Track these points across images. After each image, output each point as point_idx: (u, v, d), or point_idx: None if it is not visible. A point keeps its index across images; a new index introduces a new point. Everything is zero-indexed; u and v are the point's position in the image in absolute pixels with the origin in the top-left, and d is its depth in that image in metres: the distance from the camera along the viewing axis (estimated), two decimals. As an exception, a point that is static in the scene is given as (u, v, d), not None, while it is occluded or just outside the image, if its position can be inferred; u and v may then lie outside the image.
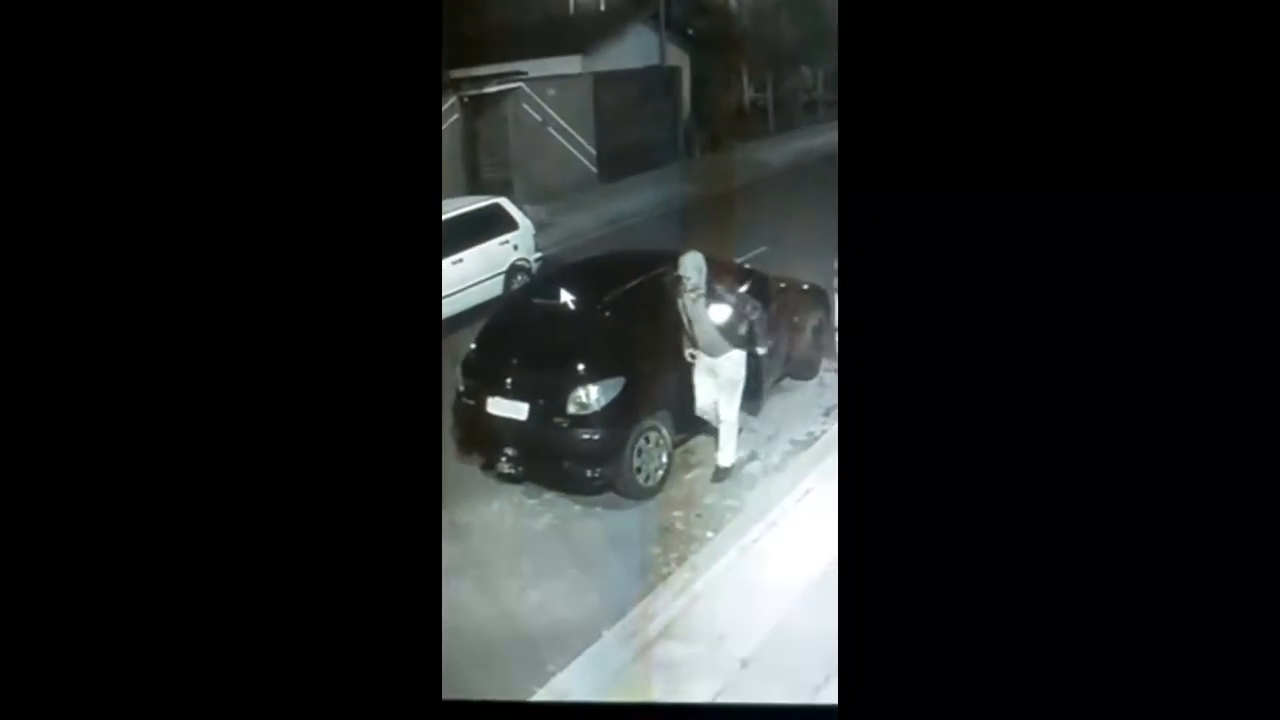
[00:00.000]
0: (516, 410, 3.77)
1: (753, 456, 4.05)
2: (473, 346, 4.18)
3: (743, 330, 3.71)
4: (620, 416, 3.68)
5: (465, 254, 6.15)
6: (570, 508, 3.78)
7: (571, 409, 3.69)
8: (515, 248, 6.64)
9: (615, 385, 3.69)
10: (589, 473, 3.70)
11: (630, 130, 11.20)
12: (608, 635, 2.96)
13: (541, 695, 2.74)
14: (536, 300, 4.42)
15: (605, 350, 3.80)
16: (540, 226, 7.42)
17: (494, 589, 3.29)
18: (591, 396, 3.68)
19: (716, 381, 3.79)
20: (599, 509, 3.76)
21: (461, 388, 4.00)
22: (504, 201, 6.85)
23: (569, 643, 2.95)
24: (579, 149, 10.72)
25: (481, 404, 3.85)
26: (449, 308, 5.87)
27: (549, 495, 3.86)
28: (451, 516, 3.66)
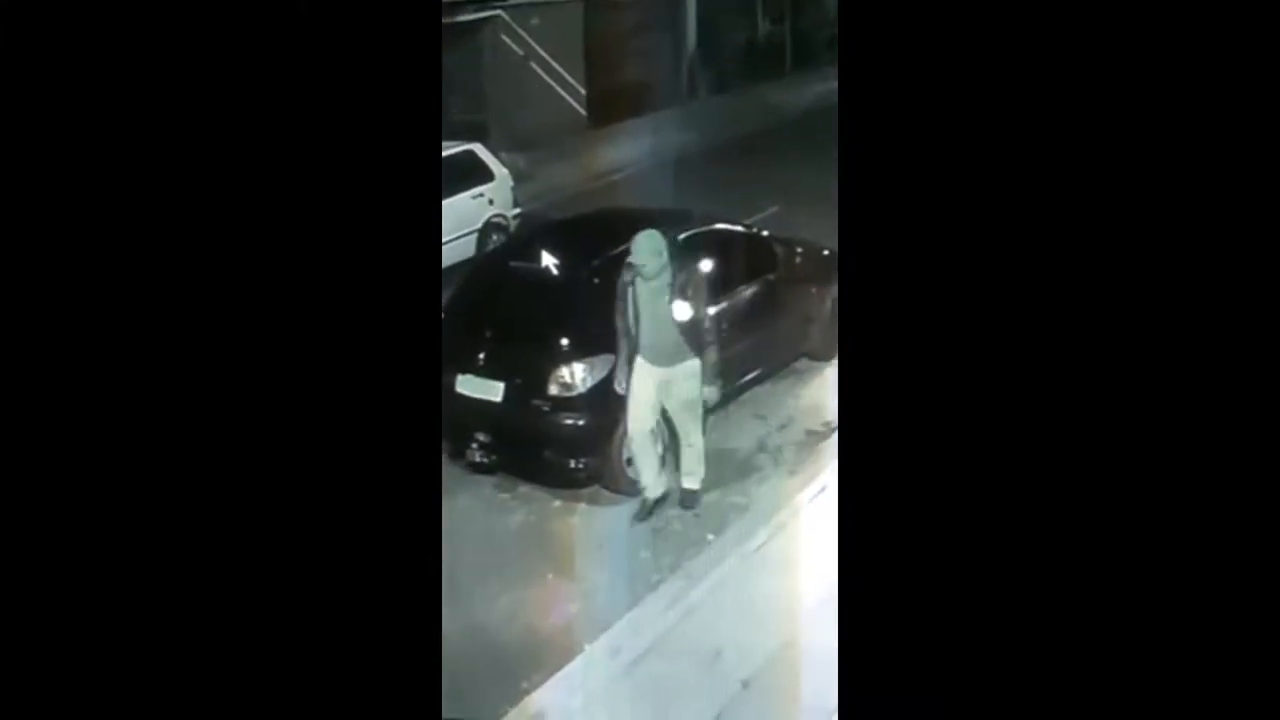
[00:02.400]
0: (489, 390, 3.71)
1: (761, 448, 4.02)
2: (441, 315, 4.14)
3: (707, 332, 3.39)
4: (610, 400, 3.61)
5: (433, 208, 6.01)
6: (549, 504, 3.75)
7: (553, 390, 3.63)
8: (490, 202, 6.52)
9: (605, 363, 3.63)
10: (572, 464, 3.66)
11: (625, 67, 11.02)
12: (590, 650, 2.95)
13: (514, 716, 2.73)
14: (514, 264, 4.35)
15: (593, 323, 3.71)
16: (519, 178, 7.30)
17: (460, 595, 3.26)
18: (577, 376, 3.62)
19: (671, 402, 3.51)
20: (582, 506, 3.72)
21: (426, 363, 3.95)
22: (478, 148, 6.70)
23: (545, 658, 2.94)
24: (566, 88, 10.51)
25: (450, 382, 3.78)
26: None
27: (524, 489, 3.82)
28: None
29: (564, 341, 3.69)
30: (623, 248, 3.97)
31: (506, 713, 2.75)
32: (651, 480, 3.57)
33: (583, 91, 10.67)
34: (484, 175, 6.53)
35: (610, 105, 10.67)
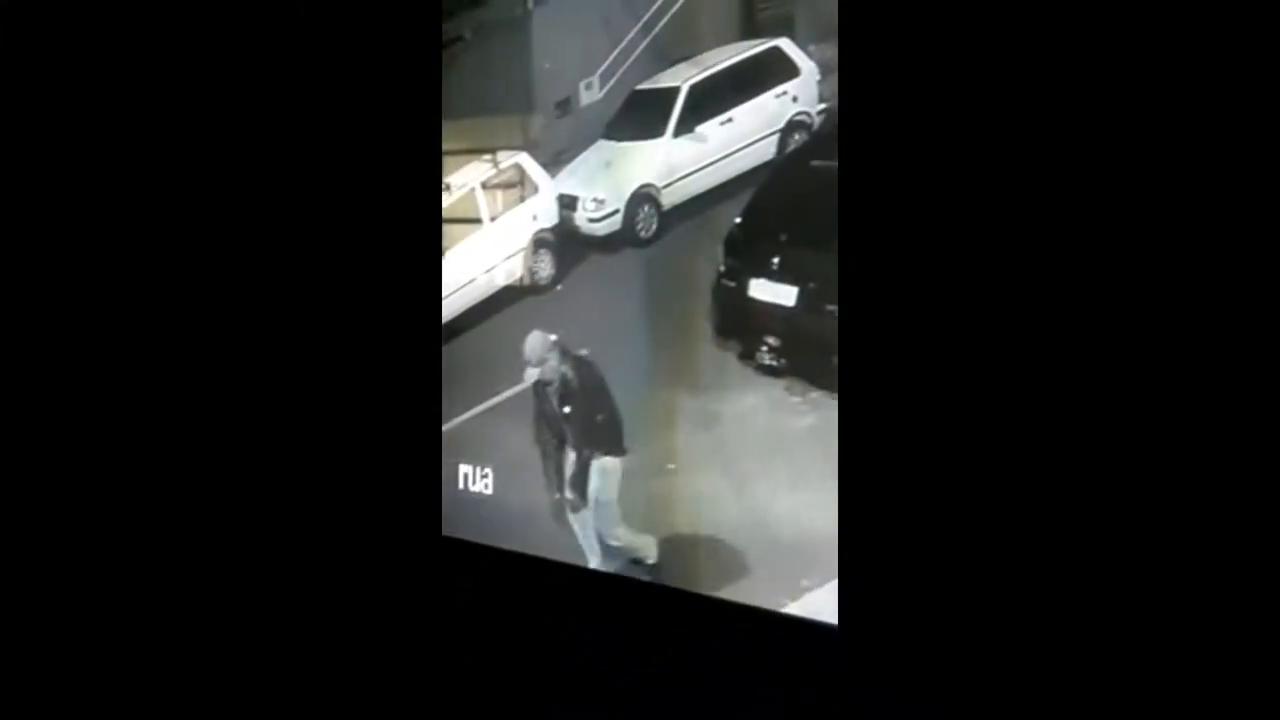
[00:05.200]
0: (783, 295, 3.62)
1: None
2: (737, 220, 4.03)
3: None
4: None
5: (735, 112, 5.84)
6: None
7: (848, 296, 3.41)
8: (794, 99, 6.11)
9: (905, 270, 3.29)
10: (864, 373, 3.44)
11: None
12: (871, 561, 2.84)
13: (793, 609, 2.83)
14: (815, 163, 4.05)
15: (895, 225, 3.38)
16: (827, 70, 6.72)
17: (744, 488, 3.32)
18: (873, 282, 3.34)
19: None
20: (873, 416, 3.51)
21: (722, 267, 3.92)
22: (784, 43, 6.27)
23: (824, 559, 2.91)
24: (883, -35, 9.30)
25: (743, 286, 3.76)
26: (714, 176, 5.73)
27: (815, 394, 3.65)
28: (703, 404, 3.74)
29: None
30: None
31: (785, 605, 2.80)
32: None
33: (902, -34, 9.34)
34: (789, 71, 6.11)
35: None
